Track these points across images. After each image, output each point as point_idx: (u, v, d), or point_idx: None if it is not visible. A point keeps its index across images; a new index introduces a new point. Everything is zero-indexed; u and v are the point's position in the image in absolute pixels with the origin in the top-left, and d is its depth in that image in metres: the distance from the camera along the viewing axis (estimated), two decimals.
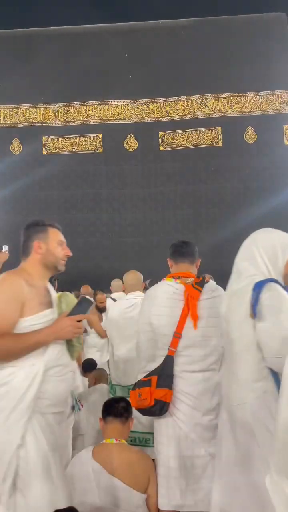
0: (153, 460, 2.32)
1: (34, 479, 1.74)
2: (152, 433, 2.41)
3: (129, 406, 2.37)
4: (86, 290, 6.41)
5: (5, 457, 1.73)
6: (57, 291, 2.52)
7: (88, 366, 3.69)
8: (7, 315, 1.77)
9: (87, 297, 1.91)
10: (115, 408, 2.35)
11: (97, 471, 2.14)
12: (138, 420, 2.69)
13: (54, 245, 1.96)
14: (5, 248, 3.84)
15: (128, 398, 2.39)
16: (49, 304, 1.92)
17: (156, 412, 2.19)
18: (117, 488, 2.12)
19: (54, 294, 2.00)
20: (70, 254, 2.00)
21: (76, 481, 2.14)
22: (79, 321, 1.86)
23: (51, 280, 2.45)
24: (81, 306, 1.87)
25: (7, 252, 3.80)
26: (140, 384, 2.24)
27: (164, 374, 2.19)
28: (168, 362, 2.20)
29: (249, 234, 1.96)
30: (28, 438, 1.75)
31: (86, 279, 7.17)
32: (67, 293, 2.07)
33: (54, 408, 1.85)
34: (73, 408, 2.54)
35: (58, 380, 1.84)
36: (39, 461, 1.75)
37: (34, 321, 1.81)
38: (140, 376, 2.30)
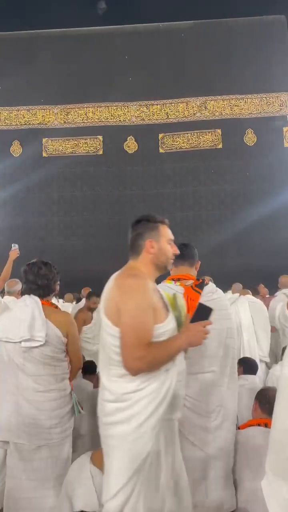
0: None
1: (147, 493, 1.62)
2: None
3: None
4: (87, 293, 6.37)
5: (128, 473, 1.61)
6: (58, 293, 2.51)
7: (89, 369, 3.67)
8: (149, 323, 1.65)
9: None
10: None
11: (96, 475, 2.14)
12: None
13: (165, 244, 1.84)
14: (15, 246, 3.87)
15: None
16: (167, 307, 1.82)
17: None
18: None
19: (164, 294, 1.90)
20: (178, 252, 1.89)
21: (76, 485, 2.14)
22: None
23: (52, 282, 2.44)
24: (203, 312, 1.78)
25: (17, 249, 3.84)
26: None
27: None
28: None
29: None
30: (157, 448, 1.65)
31: (86, 280, 7.15)
32: (178, 294, 1.97)
33: (178, 414, 1.77)
34: (72, 410, 2.55)
35: (181, 385, 1.76)
36: (155, 473, 1.64)
37: (164, 328, 1.71)
38: None
